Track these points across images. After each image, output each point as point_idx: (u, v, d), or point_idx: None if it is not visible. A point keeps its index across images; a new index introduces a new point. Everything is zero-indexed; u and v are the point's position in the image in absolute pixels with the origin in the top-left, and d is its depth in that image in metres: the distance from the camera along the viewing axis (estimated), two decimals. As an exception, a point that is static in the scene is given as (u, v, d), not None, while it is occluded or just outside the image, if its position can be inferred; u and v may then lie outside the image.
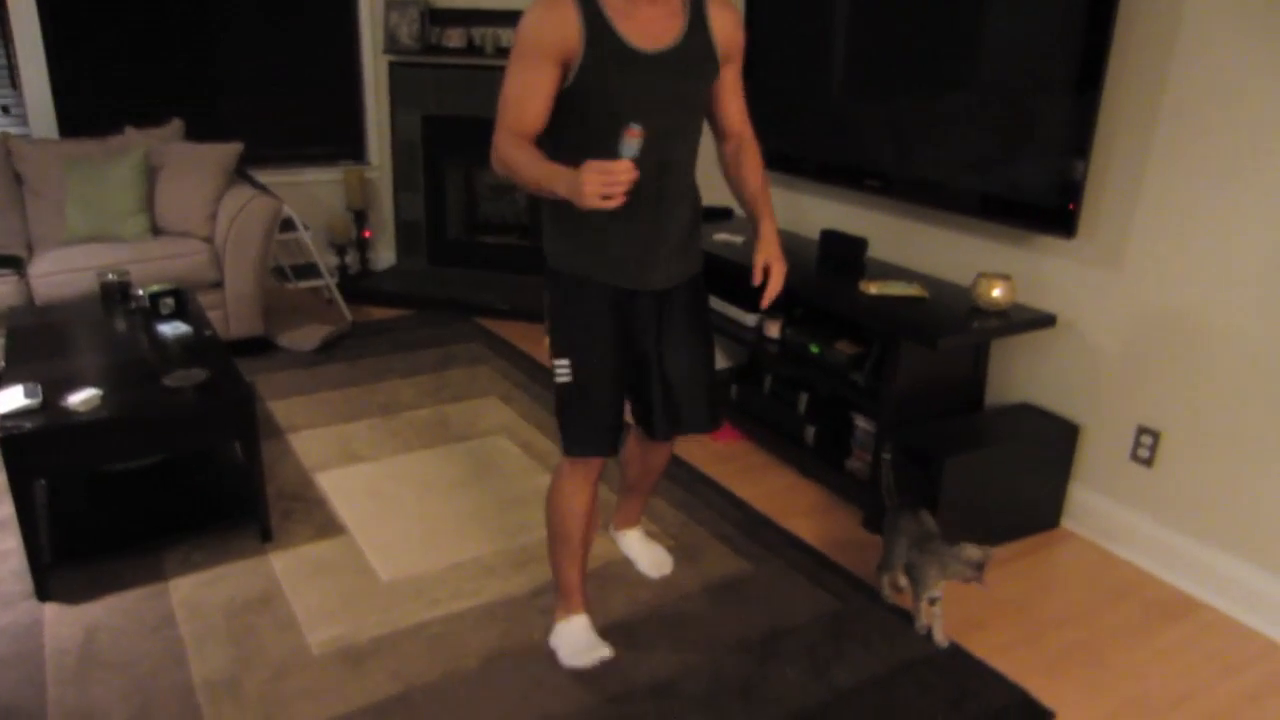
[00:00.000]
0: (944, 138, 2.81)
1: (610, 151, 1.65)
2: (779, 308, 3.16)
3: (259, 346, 3.94)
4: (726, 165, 2.10)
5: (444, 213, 4.99)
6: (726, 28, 1.89)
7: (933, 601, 2.21)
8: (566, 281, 1.97)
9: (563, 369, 1.98)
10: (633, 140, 1.62)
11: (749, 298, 3.27)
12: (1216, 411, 2.39)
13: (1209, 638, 2.32)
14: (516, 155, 1.77)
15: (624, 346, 2.00)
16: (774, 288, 2.00)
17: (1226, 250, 2.31)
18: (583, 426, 1.99)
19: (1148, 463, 2.55)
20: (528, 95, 1.79)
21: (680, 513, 2.79)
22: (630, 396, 2.10)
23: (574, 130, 1.84)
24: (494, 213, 5.12)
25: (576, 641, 2.15)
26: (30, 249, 3.71)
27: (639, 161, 1.64)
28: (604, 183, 1.59)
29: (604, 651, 2.14)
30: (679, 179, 1.92)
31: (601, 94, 1.78)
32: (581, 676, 2.08)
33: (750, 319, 3.21)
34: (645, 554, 2.52)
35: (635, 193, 1.77)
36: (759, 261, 1.98)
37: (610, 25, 1.76)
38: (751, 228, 2.04)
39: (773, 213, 2.04)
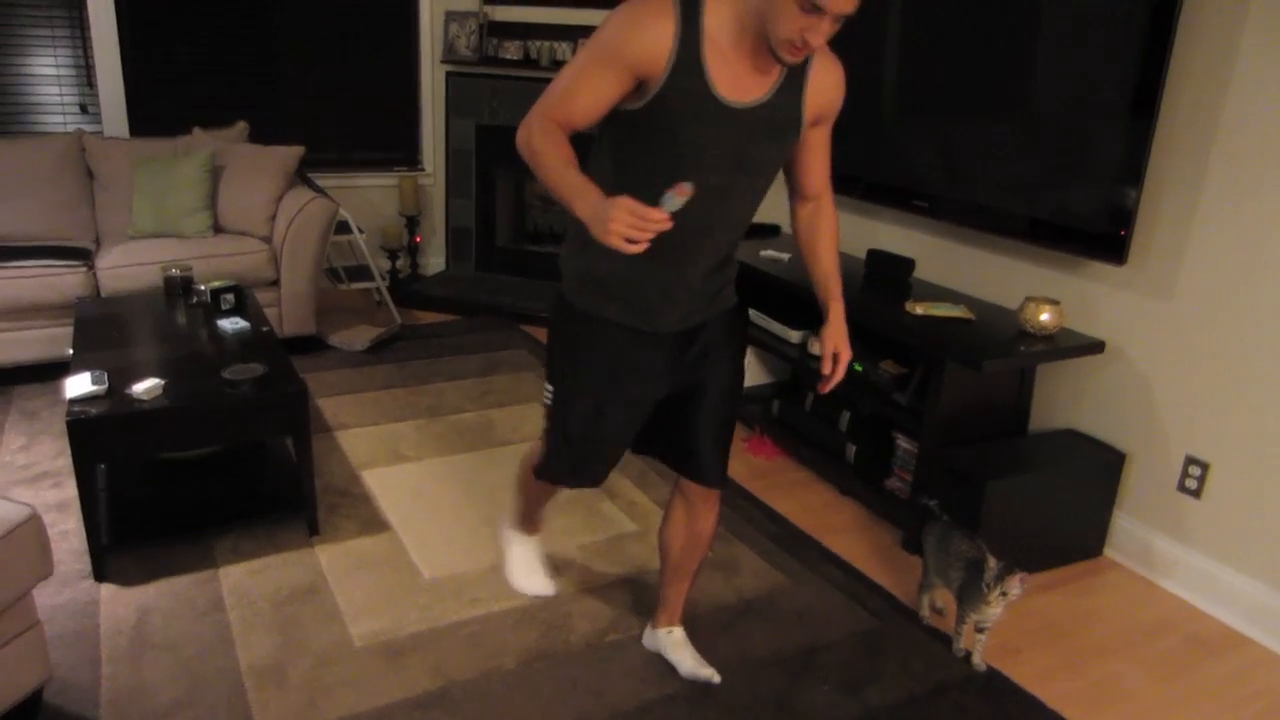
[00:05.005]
0: (995, 161, 2.81)
1: (656, 194, 1.50)
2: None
3: (311, 345, 4.03)
4: (798, 229, 1.93)
5: (494, 221, 5.07)
6: (827, 89, 1.72)
7: (980, 630, 2.19)
8: (570, 312, 1.85)
9: (548, 394, 1.92)
10: (679, 198, 1.49)
11: (791, 314, 3.28)
12: (1268, 444, 2.35)
13: (1254, 674, 2.28)
14: (547, 148, 1.59)
15: (622, 386, 1.86)
16: (837, 377, 1.93)
17: (1284, 282, 2.28)
18: (553, 456, 1.94)
19: (1196, 494, 2.52)
20: (584, 92, 1.61)
21: (719, 526, 2.80)
22: (664, 437, 1.97)
23: (632, 151, 1.69)
24: (543, 222, 5.20)
25: (525, 563, 2.34)
26: (98, 242, 3.85)
27: (679, 215, 1.52)
28: (634, 226, 1.44)
29: (547, 589, 2.33)
30: (723, 239, 1.77)
31: (669, 133, 1.63)
32: (618, 683, 2.11)
33: (794, 335, 3.22)
34: (689, 657, 2.18)
35: (667, 241, 1.59)
36: (828, 351, 1.91)
37: (702, 63, 1.58)
38: (820, 305, 1.93)
39: (842, 293, 1.92)
